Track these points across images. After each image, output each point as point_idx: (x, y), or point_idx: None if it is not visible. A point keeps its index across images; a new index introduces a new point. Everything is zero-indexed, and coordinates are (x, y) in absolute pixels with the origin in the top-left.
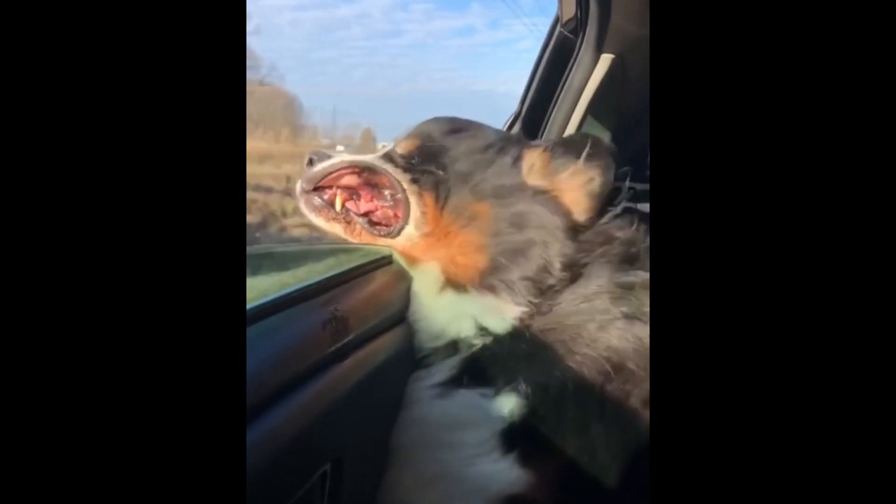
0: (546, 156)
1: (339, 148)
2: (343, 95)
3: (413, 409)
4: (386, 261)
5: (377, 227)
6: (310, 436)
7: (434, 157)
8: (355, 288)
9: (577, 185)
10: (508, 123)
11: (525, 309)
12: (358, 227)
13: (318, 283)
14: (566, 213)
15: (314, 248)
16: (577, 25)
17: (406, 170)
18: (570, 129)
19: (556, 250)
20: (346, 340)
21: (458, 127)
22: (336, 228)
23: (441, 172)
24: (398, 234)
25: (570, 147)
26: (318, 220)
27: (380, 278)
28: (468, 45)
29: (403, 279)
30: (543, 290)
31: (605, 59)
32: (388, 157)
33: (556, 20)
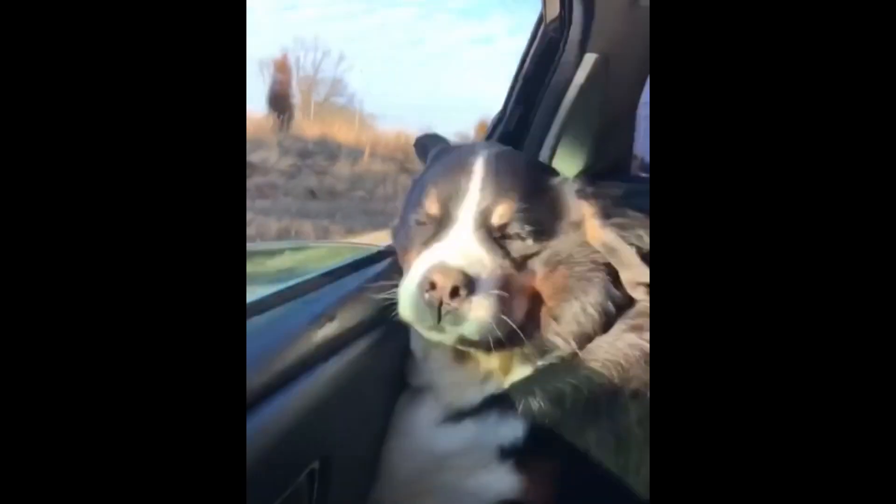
0: (601, 214)
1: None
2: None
3: (412, 437)
4: (375, 258)
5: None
6: (298, 434)
7: (529, 229)
8: (344, 285)
9: (631, 253)
10: (494, 122)
11: (564, 354)
12: None
13: (307, 281)
14: (616, 275)
15: (305, 245)
16: (562, 25)
17: (506, 254)
18: (554, 129)
19: (605, 307)
20: (334, 338)
21: (534, 179)
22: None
23: (540, 244)
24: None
25: (622, 211)
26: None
27: (369, 276)
28: (489, 53)
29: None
30: (583, 338)
31: (589, 59)
32: (495, 240)
33: (541, 19)
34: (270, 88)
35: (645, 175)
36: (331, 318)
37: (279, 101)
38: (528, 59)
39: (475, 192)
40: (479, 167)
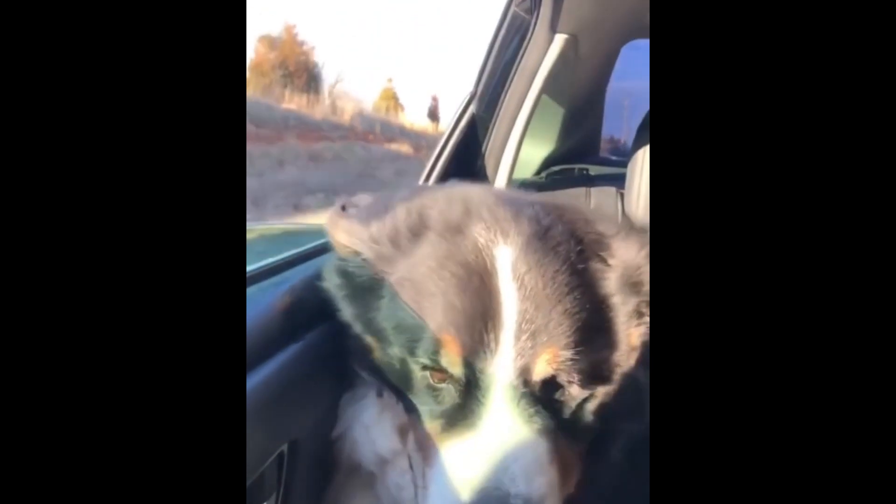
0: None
1: None
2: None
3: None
4: None
5: None
6: (267, 418)
7: (579, 377)
8: (310, 268)
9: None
10: (464, 104)
11: None
12: None
13: (273, 263)
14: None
15: (283, 228)
16: (532, 4)
17: (557, 421)
18: (525, 109)
19: None
20: (302, 320)
21: (582, 293)
22: None
23: (591, 390)
24: None
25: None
26: None
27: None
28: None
29: None
30: None
31: (559, 39)
32: (539, 400)
33: None
34: (429, 107)
35: (615, 158)
36: (295, 301)
37: (433, 114)
38: (498, 39)
39: (508, 346)
40: (508, 295)
